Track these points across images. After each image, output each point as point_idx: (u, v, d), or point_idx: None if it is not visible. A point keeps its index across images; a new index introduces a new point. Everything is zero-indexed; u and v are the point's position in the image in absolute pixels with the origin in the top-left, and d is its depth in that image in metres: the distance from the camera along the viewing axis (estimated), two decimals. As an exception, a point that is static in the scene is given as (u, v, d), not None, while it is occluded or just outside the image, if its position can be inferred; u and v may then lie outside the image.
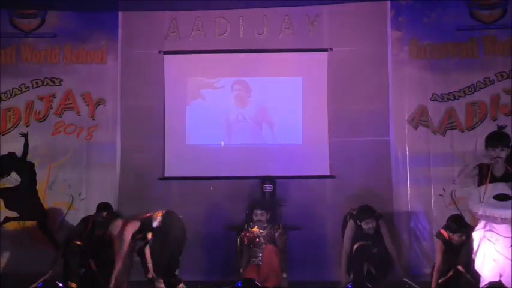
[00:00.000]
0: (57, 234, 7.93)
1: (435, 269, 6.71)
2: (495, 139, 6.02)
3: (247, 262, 7.38)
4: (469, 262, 6.41)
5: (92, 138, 8.36)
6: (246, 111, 8.65)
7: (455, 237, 6.61)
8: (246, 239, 7.40)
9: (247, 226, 7.49)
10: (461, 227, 6.61)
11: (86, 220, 7.24)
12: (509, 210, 5.69)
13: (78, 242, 7.03)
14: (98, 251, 7.06)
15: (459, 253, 6.63)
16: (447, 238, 6.67)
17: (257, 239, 7.36)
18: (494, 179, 5.91)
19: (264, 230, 7.37)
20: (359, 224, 7.12)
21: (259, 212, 7.46)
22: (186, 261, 8.19)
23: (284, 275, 7.35)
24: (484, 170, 5.97)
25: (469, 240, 6.35)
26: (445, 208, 7.79)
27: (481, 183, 5.93)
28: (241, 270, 7.33)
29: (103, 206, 7.19)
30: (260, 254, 7.31)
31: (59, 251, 7.22)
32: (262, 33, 8.59)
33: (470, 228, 6.37)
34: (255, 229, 7.38)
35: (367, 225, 7.06)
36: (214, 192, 8.42)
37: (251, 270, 7.26)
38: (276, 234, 7.41)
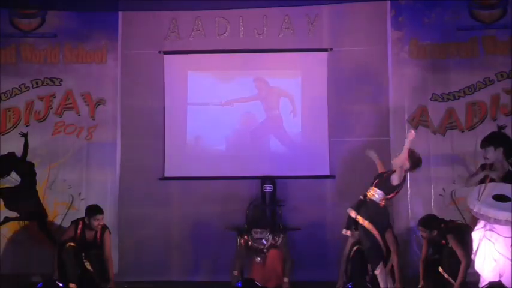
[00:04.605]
0: (56, 234, 7.91)
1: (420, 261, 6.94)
2: (483, 140, 6.09)
3: (241, 264, 7.35)
4: (450, 264, 6.51)
5: (92, 138, 8.34)
6: (246, 111, 8.64)
7: (421, 232, 6.85)
8: (243, 241, 7.41)
9: (248, 234, 7.43)
10: (426, 222, 6.81)
11: (75, 223, 7.25)
12: (503, 212, 5.69)
13: (72, 244, 7.06)
14: (91, 253, 7.13)
15: (440, 253, 6.72)
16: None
17: (259, 249, 7.38)
18: (494, 179, 5.92)
19: (266, 243, 7.35)
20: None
21: (258, 230, 7.33)
22: (186, 262, 8.23)
23: (285, 280, 7.26)
24: (486, 170, 6.00)
25: (444, 239, 6.65)
26: (445, 208, 7.78)
27: (483, 181, 5.95)
28: (235, 272, 7.26)
29: (96, 210, 7.20)
30: (261, 255, 7.34)
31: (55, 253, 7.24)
32: (262, 33, 8.59)
33: (445, 228, 6.68)
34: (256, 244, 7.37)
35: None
36: (214, 192, 8.43)
37: (254, 271, 7.27)
38: (278, 242, 7.38)
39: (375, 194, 6.60)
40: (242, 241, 7.37)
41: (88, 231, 7.17)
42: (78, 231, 7.17)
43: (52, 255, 7.37)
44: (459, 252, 6.54)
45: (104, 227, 7.23)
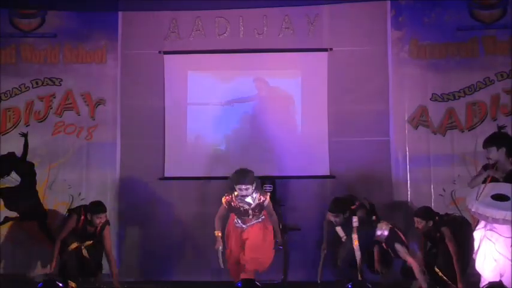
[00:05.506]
0: (56, 234, 7.91)
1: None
2: (486, 140, 6.10)
3: (222, 224, 6.81)
4: (445, 261, 6.51)
5: (92, 138, 8.35)
6: (246, 111, 8.64)
7: (417, 224, 6.78)
8: (225, 203, 6.76)
9: (232, 193, 6.74)
10: (422, 213, 6.79)
11: (77, 214, 7.22)
12: (501, 211, 5.69)
13: (74, 246, 7.08)
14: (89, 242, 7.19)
15: (437, 247, 6.72)
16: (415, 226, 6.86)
17: (244, 211, 6.73)
18: (497, 179, 5.92)
19: (252, 203, 6.71)
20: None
21: (243, 187, 6.60)
22: (186, 262, 8.23)
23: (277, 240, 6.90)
24: (489, 170, 6.00)
25: (439, 232, 6.58)
26: (445, 208, 7.78)
27: (484, 181, 5.96)
28: (216, 233, 6.69)
29: (100, 208, 7.18)
30: (247, 224, 6.78)
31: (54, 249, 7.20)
32: (262, 33, 8.59)
33: (440, 220, 6.66)
34: (241, 204, 6.70)
35: (333, 218, 6.99)
36: (214, 192, 8.42)
37: (230, 237, 6.84)
38: (265, 203, 6.73)
39: (383, 231, 6.59)
40: (224, 200, 6.75)
41: (89, 226, 7.17)
42: (80, 224, 7.16)
43: (52, 254, 7.39)
44: (451, 247, 6.52)
45: (105, 222, 7.23)
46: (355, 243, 6.63)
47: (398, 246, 6.56)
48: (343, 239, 6.78)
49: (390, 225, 6.63)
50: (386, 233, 6.59)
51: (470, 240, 6.18)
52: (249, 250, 6.65)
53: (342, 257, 6.77)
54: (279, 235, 6.95)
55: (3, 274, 7.94)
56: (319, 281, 7.42)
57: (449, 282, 6.52)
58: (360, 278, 6.59)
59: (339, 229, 6.81)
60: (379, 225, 6.65)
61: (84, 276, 7.24)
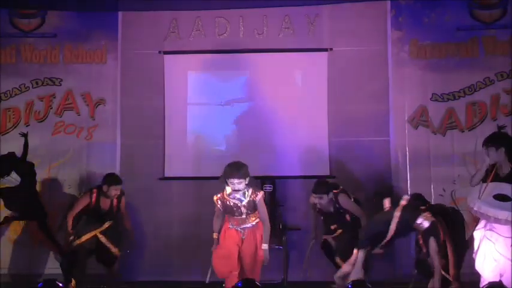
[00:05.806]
0: (57, 234, 7.91)
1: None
2: (485, 140, 6.11)
3: (220, 225, 6.64)
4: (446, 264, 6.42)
5: (92, 138, 8.37)
6: (246, 111, 8.64)
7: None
8: (220, 204, 6.53)
9: (223, 191, 6.57)
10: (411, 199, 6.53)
11: (90, 192, 7.36)
12: (503, 211, 5.69)
13: (88, 236, 7.17)
14: (107, 228, 7.31)
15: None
16: None
17: (236, 208, 6.50)
18: (498, 179, 5.93)
19: (243, 199, 6.47)
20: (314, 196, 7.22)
21: (235, 181, 6.39)
22: (186, 262, 8.23)
23: (264, 246, 6.47)
24: (489, 169, 6.01)
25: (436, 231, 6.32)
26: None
27: (485, 181, 5.96)
28: (214, 235, 6.58)
29: (117, 180, 7.36)
30: (241, 226, 6.55)
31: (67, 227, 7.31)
32: (262, 33, 8.59)
33: (430, 208, 6.40)
34: (233, 200, 6.48)
35: (317, 200, 7.12)
36: (214, 192, 8.41)
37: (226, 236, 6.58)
38: (257, 200, 6.45)
39: (424, 221, 6.23)
40: (216, 198, 6.56)
41: (103, 200, 7.22)
42: (93, 200, 7.22)
43: (52, 255, 7.40)
44: (443, 234, 6.29)
45: (121, 194, 7.40)
46: (395, 221, 6.29)
47: (432, 241, 6.22)
48: (386, 209, 6.48)
49: (434, 219, 6.30)
50: (426, 224, 6.26)
51: (464, 230, 6.18)
52: (248, 269, 6.57)
53: (374, 221, 6.54)
54: (267, 239, 6.53)
55: (3, 274, 7.94)
56: (303, 270, 7.46)
57: (444, 272, 6.42)
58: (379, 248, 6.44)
59: (387, 200, 6.52)
60: (424, 214, 6.30)
61: (104, 265, 7.40)
